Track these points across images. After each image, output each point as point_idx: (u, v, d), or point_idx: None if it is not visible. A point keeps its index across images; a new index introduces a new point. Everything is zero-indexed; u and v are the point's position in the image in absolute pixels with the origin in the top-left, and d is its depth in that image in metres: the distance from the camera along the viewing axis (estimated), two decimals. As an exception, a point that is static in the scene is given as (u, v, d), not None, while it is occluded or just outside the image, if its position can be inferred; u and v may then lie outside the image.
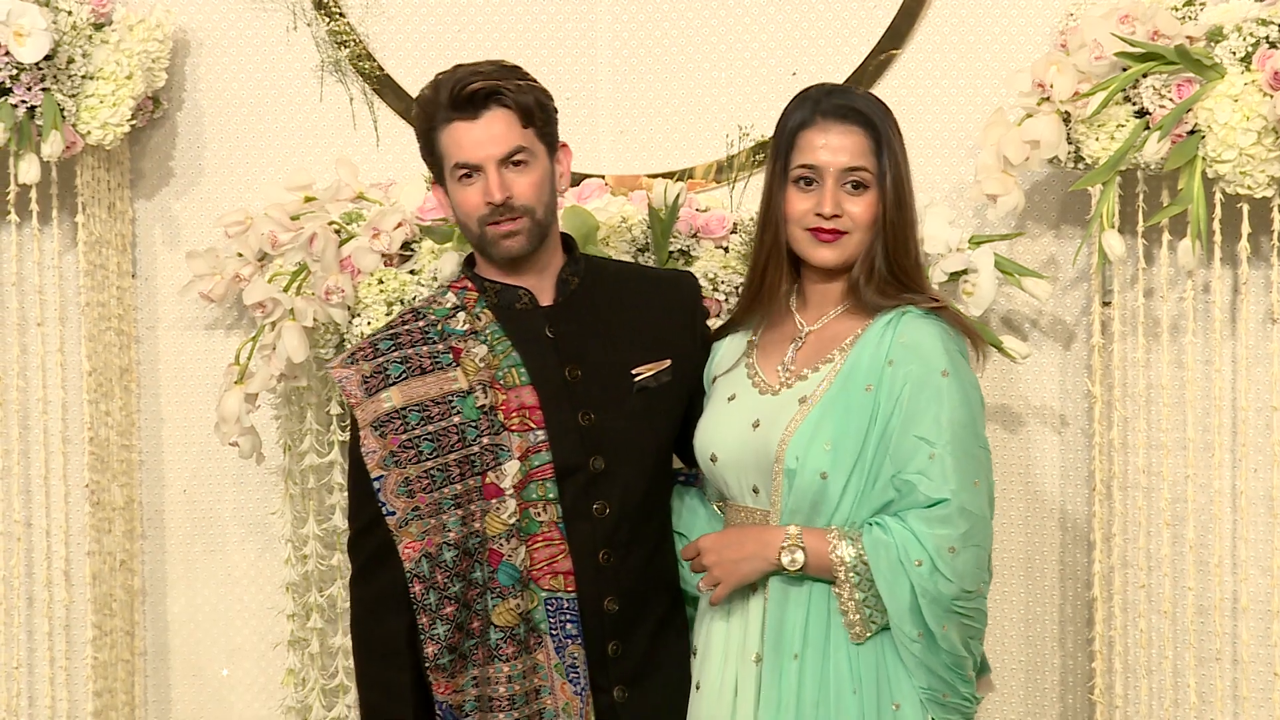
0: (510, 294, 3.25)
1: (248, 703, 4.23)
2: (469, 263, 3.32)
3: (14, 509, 4.10)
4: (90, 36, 3.89)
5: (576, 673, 3.18)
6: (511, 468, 3.17)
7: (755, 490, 3.16)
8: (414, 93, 4.08)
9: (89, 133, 3.90)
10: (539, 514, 3.17)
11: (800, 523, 3.09)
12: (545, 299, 3.26)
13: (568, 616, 3.18)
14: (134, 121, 3.98)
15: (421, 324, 3.25)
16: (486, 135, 3.16)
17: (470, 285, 3.28)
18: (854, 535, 3.04)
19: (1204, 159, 3.61)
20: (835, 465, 3.06)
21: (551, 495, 3.18)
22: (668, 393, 3.28)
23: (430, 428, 3.18)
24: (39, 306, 4.08)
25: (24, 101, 3.82)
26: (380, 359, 3.22)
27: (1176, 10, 3.64)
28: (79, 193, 4.01)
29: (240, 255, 3.95)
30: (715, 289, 3.79)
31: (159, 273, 4.21)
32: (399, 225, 3.86)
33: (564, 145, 3.29)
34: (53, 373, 4.09)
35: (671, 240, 3.82)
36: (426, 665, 3.16)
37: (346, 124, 4.15)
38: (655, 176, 3.99)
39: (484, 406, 3.18)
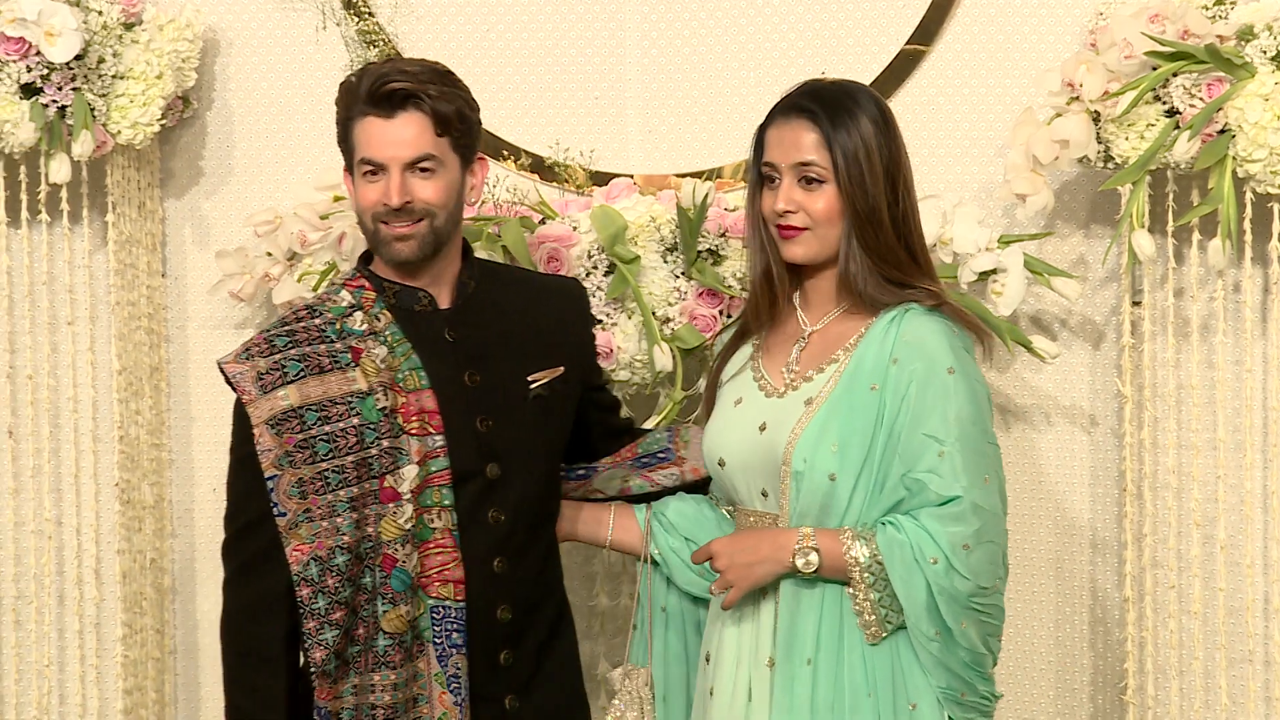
0: (410, 295, 3.20)
1: (277, 701, 4.23)
2: (365, 260, 3.26)
3: (44, 507, 4.11)
4: (120, 36, 3.91)
5: (458, 683, 3.13)
6: (410, 472, 3.12)
7: (764, 494, 3.14)
8: (443, 92, 4.11)
9: (119, 132, 3.92)
10: (433, 520, 3.13)
11: (810, 525, 3.06)
12: (444, 302, 3.22)
13: (454, 626, 3.13)
14: (164, 121, 3.99)
15: (318, 321, 3.19)
16: (397, 137, 3.11)
17: (367, 284, 3.22)
18: (867, 535, 3.02)
19: (1234, 158, 3.60)
20: (843, 466, 3.04)
21: (447, 501, 3.13)
22: (561, 400, 3.26)
23: (327, 428, 3.11)
24: (69, 305, 4.09)
25: (55, 101, 3.83)
26: (277, 355, 3.15)
27: (1207, 9, 3.63)
28: (109, 192, 4.03)
29: (269, 254, 3.96)
30: (744, 289, 3.79)
31: (189, 272, 4.22)
32: (428, 225, 3.86)
33: (482, 159, 3.24)
34: (83, 371, 4.10)
35: (700, 239, 3.82)
36: (312, 671, 3.09)
37: (376, 123, 4.15)
38: (684, 176, 3.99)
39: (384, 409, 3.13)
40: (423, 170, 3.13)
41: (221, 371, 3.16)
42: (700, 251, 3.83)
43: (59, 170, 3.89)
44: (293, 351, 3.15)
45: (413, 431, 3.13)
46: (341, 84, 3.19)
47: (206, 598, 4.25)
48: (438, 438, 3.14)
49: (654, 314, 3.81)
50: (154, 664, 4.17)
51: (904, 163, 3.14)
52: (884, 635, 3.04)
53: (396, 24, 4.12)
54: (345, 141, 3.19)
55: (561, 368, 3.26)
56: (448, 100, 3.13)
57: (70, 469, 4.12)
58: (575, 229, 3.85)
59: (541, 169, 4.07)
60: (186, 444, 4.24)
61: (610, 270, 3.83)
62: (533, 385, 3.23)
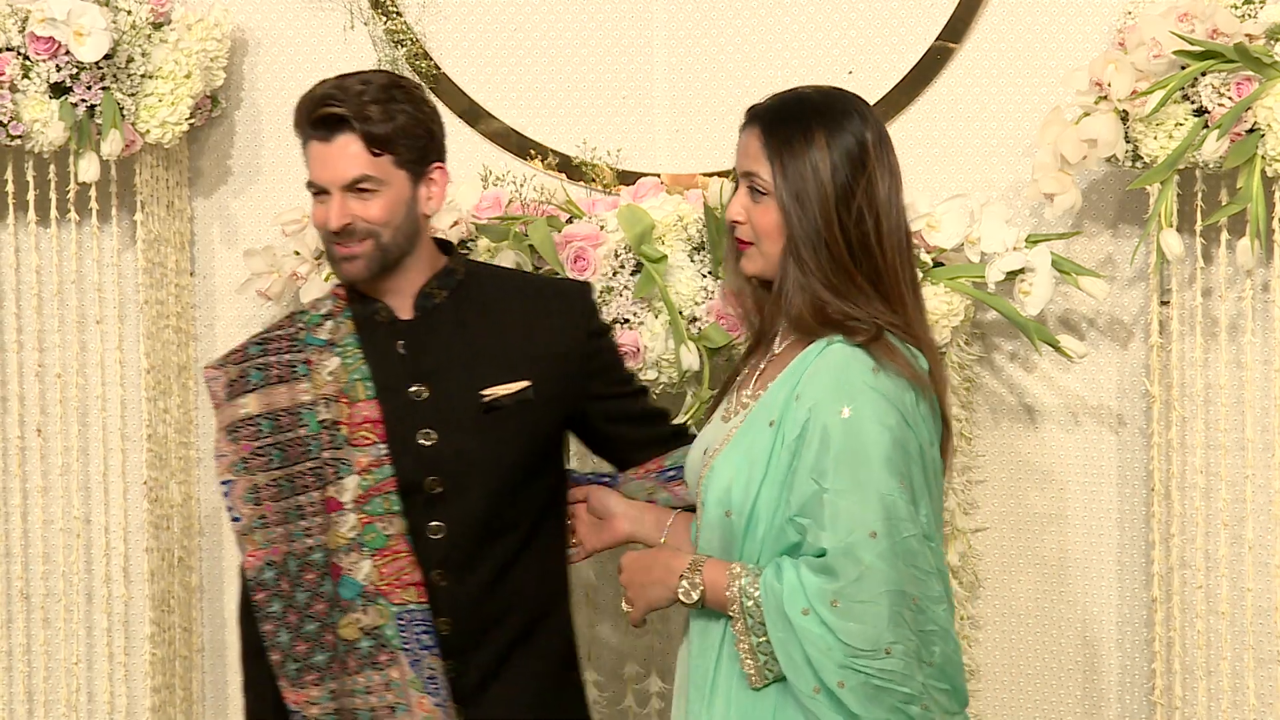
0: (371, 306, 3.22)
1: (304, 699, 4.25)
2: None
3: (73, 505, 4.13)
4: (149, 36, 3.92)
5: (436, 684, 3.13)
6: (351, 482, 3.14)
7: None
8: (471, 92, 4.12)
9: (148, 131, 3.93)
10: (385, 527, 3.14)
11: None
12: (404, 313, 3.22)
13: (421, 628, 3.13)
14: (192, 120, 4.00)
15: (292, 330, 3.25)
16: (333, 161, 3.12)
17: (342, 294, 3.26)
18: (755, 574, 2.82)
19: (1263, 157, 3.59)
20: (737, 503, 2.87)
21: (396, 509, 3.14)
22: (528, 411, 3.20)
23: (281, 437, 3.17)
24: (98, 304, 4.10)
25: (84, 100, 3.85)
26: (246, 364, 3.22)
27: (1236, 8, 3.62)
28: (138, 191, 4.04)
29: (297, 253, 3.97)
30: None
31: (217, 271, 4.23)
32: (455, 224, 3.86)
33: (439, 167, 3.21)
34: (111, 370, 4.11)
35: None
36: (275, 672, 3.16)
37: (403, 123, 4.15)
38: (711, 175, 3.99)
39: (325, 421, 3.16)
40: (362, 191, 3.13)
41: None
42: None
43: (88, 169, 3.90)
44: (259, 360, 3.22)
45: (357, 442, 3.16)
46: (297, 104, 3.20)
47: (234, 596, 4.24)
48: (382, 447, 3.15)
49: (681, 313, 3.81)
50: (182, 662, 4.18)
51: (868, 185, 2.88)
52: (764, 683, 2.84)
53: (424, 23, 4.13)
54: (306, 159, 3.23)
55: (527, 382, 3.20)
56: (387, 119, 3.11)
57: (99, 467, 4.14)
58: (602, 228, 3.85)
59: (569, 168, 4.08)
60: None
61: (637, 269, 3.83)
62: (485, 399, 3.19)
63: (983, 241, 3.78)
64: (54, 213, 4.06)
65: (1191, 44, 3.57)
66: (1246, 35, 3.57)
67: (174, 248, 4.15)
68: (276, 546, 3.16)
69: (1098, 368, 3.98)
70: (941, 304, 3.76)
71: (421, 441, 3.16)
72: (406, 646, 3.13)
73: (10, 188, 4.04)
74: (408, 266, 3.20)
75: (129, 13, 3.88)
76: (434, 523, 3.15)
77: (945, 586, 2.86)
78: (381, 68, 4.09)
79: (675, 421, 3.52)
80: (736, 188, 2.99)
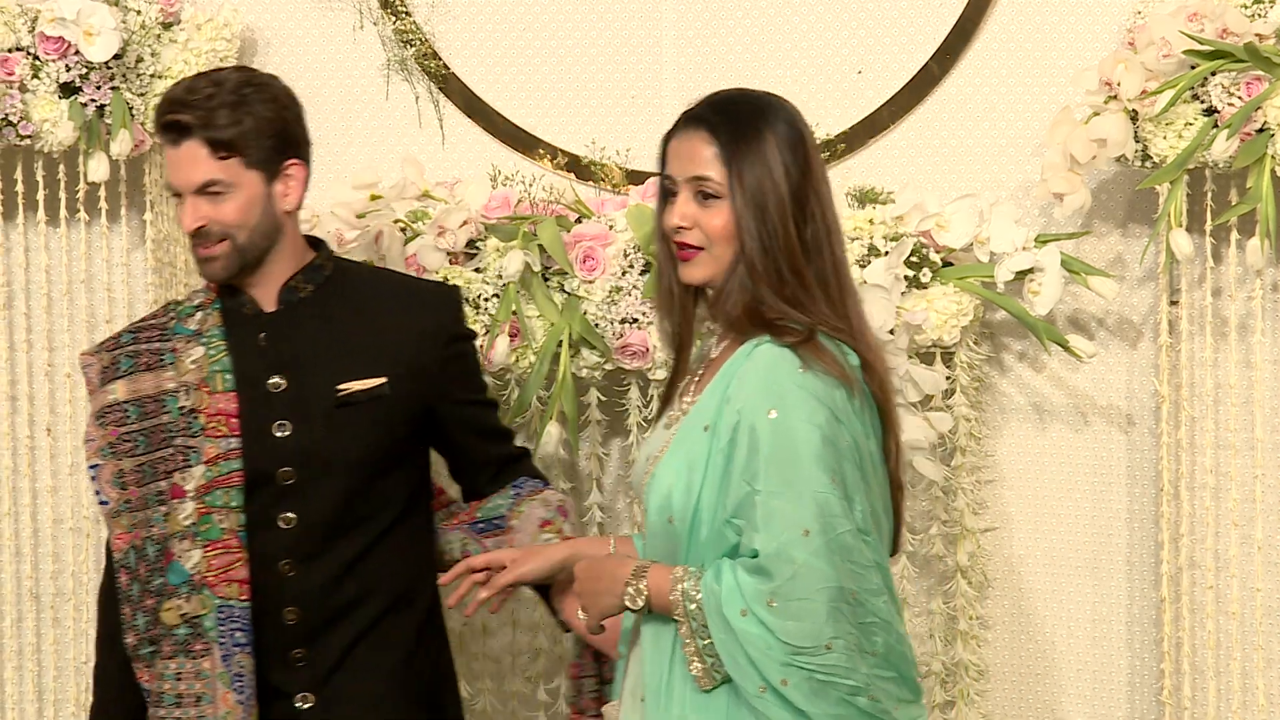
0: (238, 299, 3.28)
1: (313, 699, 4.25)
2: None
3: (82, 505, 4.13)
4: (159, 36, 3.92)
5: (242, 681, 3.18)
6: (197, 471, 3.19)
7: None
8: (480, 91, 4.12)
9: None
10: (221, 520, 3.19)
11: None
12: (269, 306, 3.27)
13: (238, 625, 3.18)
14: (202, 120, 4.01)
15: (164, 320, 3.32)
16: (182, 166, 3.18)
17: (213, 286, 3.31)
18: (699, 576, 2.81)
19: (1273, 157, 3.59)
20: (678, 508, 2.85)
21: (235, 503, 3.18)
22: (383, 407, 3.24)
23: (146, 424, 3.24)
24: (107, 304, 4.10)
25: (93, 100, 3.85)
26: (118, 351, 3.30)
27: (1246, 8, 3.62)
28: (147, 191, 4.04)
29: (306, 253, 3.97)
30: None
31: (226, 271, 4.23)
32: (464, 223, 3.87)
33: (296, 163, 3.24)
34: (121, 370, 4.12)
35: (736, 238, 3.81)
36: (130, 655, 3.23)
37: (412, 122, 4.16)
38: (720, 175, 3.99)
39: (184, 408, 3.23)
40: (213, 194, 3.18)
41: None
42: (736, 250, 3.82)
43: (97, 169, 3.90)
44: (130, 348, 3.30)
45: (210, 433, 3.21)
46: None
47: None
48: (233, 440, 3.20)
49: (690, 313, 3.80)
50: (191, 661, 4.19)
51: (815, 184, 2.88)
52: (714, 685, 2.83)
53: (433, 23, 4.13)
54: None
55: (384, 379, 3.24)
56: (233, 123, 3.16)
57: (108, 467, 4.14)
58: (611, 228, 3.85)
59: (578, 168, 4.08)
60: (223, 442, 4.25)
61: (646, 269, 3.83)
62: (341, 393, 3.23)
63: (992, 241, 3.78)
64: (63, 212, 4.07)
65: (1201, 44, 3.57)
66: (1256, 35, 3.57)
67: (183, 247, 4.14)
68: (138, 531, 3.23)
69: (1107, 367, 3.98)
70: (950, 304, 3.76)
71: (276, 433, 3.21)
72: (222, 640, 3.18)
73: (20, 188, 4.04)
74: (272, 261, 3.26)
75: (138, 13, 3.88)
76: (285, 514, 3.21)
77: (885, 579, 2.85)
78: (390, 67, 4.09)
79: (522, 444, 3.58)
80: (668, 194, 2.95)
